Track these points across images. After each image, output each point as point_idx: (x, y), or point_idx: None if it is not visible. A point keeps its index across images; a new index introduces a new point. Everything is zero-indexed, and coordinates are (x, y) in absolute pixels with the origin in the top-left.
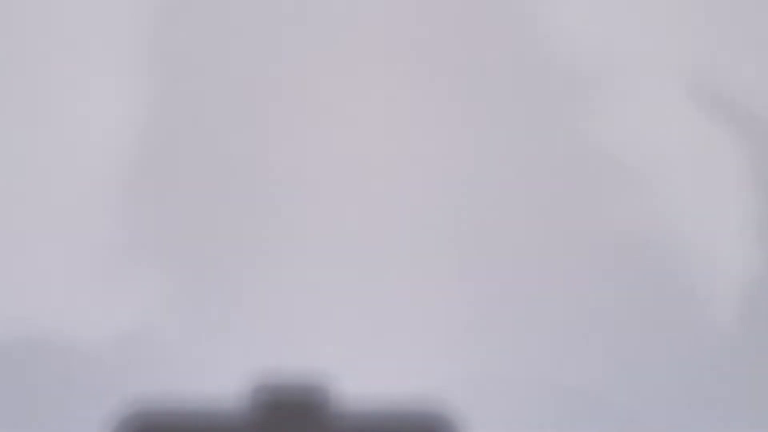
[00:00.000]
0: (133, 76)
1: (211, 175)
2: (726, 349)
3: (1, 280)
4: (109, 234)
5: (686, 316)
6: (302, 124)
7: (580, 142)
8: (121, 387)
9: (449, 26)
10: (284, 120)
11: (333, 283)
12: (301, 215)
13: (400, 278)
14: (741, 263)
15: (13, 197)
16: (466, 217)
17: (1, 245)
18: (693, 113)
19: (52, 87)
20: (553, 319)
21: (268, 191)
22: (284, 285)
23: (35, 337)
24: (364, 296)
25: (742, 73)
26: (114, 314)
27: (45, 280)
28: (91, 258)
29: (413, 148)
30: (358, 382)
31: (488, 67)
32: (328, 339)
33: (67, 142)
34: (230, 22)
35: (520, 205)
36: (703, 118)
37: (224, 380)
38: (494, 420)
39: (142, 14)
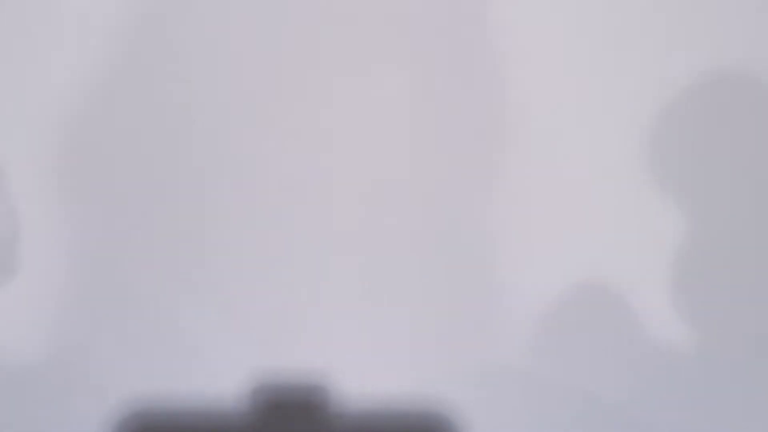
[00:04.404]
0: (126, 76)
1: (209, 175)
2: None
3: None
4: (108, 232)
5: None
6: (299, 125)
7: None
8: (122, 386)
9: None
10: (280, 122)
11: (333, 283)
12: (301, 216)
13: (400, 279)
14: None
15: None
16: (465, 218)
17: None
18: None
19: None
20: (554, 320)
21: (268, 192)
22: (284, 285)
23: (36, 334)
24: (364, 297)
25: None
26: (114, 313)
27: (41, 274)
28: (91, 255)
29: (410, 150)
30: (358, 382)
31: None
32: (328, 339)
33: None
34: (228, 22)
35: (519, 207)
36: None
37: (224, 380)
38: (494, 420)
39: (141, 12)
